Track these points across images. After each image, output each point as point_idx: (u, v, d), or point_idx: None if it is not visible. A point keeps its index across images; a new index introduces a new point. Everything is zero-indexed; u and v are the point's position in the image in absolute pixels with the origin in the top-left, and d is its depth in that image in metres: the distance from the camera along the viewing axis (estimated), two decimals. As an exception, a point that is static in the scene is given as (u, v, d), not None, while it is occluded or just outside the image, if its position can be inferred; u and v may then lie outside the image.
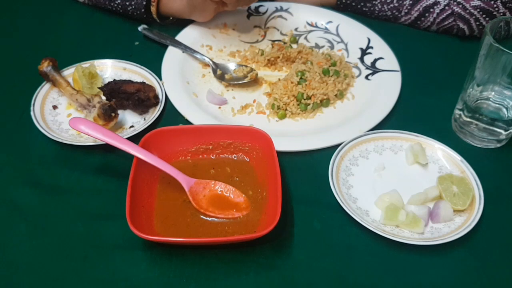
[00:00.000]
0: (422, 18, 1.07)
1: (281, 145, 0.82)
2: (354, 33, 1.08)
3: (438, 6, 1.04)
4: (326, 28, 1.10)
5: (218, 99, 0.93)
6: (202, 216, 0.74)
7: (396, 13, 1.09)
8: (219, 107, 0.93)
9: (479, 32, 1.06)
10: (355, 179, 0.80)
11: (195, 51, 1.00)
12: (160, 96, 0.90)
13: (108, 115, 0.83)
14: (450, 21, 1.05)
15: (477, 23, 1.04)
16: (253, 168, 0.80)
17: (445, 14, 1.04)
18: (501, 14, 1.02)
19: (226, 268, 0.69)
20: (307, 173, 0.81)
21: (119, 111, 0.87)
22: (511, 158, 0.86)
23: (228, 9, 1.01)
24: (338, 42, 1.07)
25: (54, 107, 0.89)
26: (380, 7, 1.09)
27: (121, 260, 0.70)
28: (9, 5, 1.14)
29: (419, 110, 0.93)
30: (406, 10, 1.08)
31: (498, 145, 0.87)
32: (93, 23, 1.09)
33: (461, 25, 1.05)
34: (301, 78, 0.93)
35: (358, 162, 0.83)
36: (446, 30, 1.08)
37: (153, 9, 1.03)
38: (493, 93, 0.85)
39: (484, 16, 1.03)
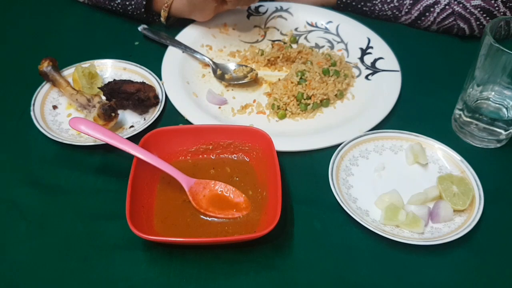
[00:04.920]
0: (423, 18, 1.07)
1: (281, 145, 0.82)
2: (354, 33, 1.08)
3: (439, 5, 1.04)
4: (326, 28, 1.10)
5: (218, 99, 0.93)
6: (202, 216, 0.74)
7: (397, 13, 1.09)
8: (219, 107, 0.93)
9: (479, 32, 1.06)
10: (355, 179, 0.80)
11: (195, 51, 1.00)
12: (160, 96, 0.90)
13: (108, 115, 0.83)
14: (450, 20, 1.05)
15: (478, 22, 1.04)
16: (253, 168, 0.80)
17: (445, 14, 1.04)
18: (502, 13, 1.02)
19: (226, 268, 0.69)
20: (307, 173, 0.81)
21: (119, 111, 0.87)
22: (511, 158, 0.86)
23: (228, 8, 1.01)
24: (338, 42, 1.07)
25: (54, 107, 0.89)
26: (380, 6, 1.09)
27: (121, 260, 0.70)
28: (9, 5, 1.14)
29: (419, 110, 0.93)
30: (406, 10, 1.08)
31: (498, 145, 0.87)
32: (93, 23, 1.09)
33: (461, 24, 1.05)
34: (301, 78, 0.93)
35: (358, 162, 0.83)
36: (447, 30, 1.08)
37: (164, 13, 1.03)
38: (493, 93, 0.85)
39: (484, 15, 1.03)
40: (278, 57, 1.01)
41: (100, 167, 0.82)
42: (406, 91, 0.95)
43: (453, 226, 0.74)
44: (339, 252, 0.72)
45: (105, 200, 0.76)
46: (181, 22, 1.07)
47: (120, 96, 0.87)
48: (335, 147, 0.83)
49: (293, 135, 0.88)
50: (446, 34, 1.09)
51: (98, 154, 0.82)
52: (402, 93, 0.95)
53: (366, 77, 1.00)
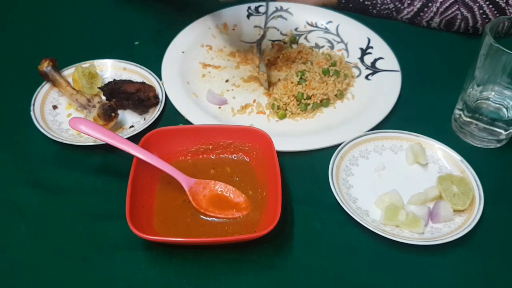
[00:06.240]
0: (425, 9, 1.06)
1: (281, 145, 0.82)
2: (354, 33, 1.08)
3: None
4: (326, 28, 1.10)
5: (218, 99, 0.93)
6: (202, 216, 0.74)
7: (399, 5, 1.08)
8: (219, 107, 0.93)
9: (482, 23, 1.05)
10: (355, 179, 0.80)
11: None
12: (160, 96, 0.90)
13: (108, 115, 0.83)
14: (453, 10, 1.04)
15: (481, 11, 1.03)
16: (253, 168, 0.80)
17: (448, 2, 1.04)
18: (504, 2, 1.02)
19: (226, 268, 0.69)
20: (307, 173, 0.81)
21: (119, 111, 0.87)
22: (511, 158, 0.86)
23: None
24: (338, 42, 1.07)
25: (54, 107, 0.89)
26: (382, 0, 1.09)
27: (121, 260, 0.70)
28: (9, 5, 1.14)
29: (419, 110, 0.93)
30: (408, 1, 1.07)
31: (498, 145, 0.87)
32: (93, 23, 1.09)
33: (465, 12, 1.04)
34: (301, 78, 0.93)
35: (358, 162, 0.83)
36: (449, 21, 1.07)
37: None
38: (493, 93, 0.85)
39: (487, 3, 1.02)
40: (278, 57, 1.01)
41: (100, 167, 0.82)
42: (406, 91, 0.95)
43: (453, 226, 0.74)
44: (339, 252, 0.72)
45: (105, 200, 0.76)
46: (182, 22, 1.07)
47: (120, 96, 0.87)
48: (335, 147, 0.83)
49: (293, 135, 0.88)
50: (449, 28, 1.08)
51: (98, 154, 0.82)
52: (402, 93, 0.95)
53: (366, 77, 1.00)
